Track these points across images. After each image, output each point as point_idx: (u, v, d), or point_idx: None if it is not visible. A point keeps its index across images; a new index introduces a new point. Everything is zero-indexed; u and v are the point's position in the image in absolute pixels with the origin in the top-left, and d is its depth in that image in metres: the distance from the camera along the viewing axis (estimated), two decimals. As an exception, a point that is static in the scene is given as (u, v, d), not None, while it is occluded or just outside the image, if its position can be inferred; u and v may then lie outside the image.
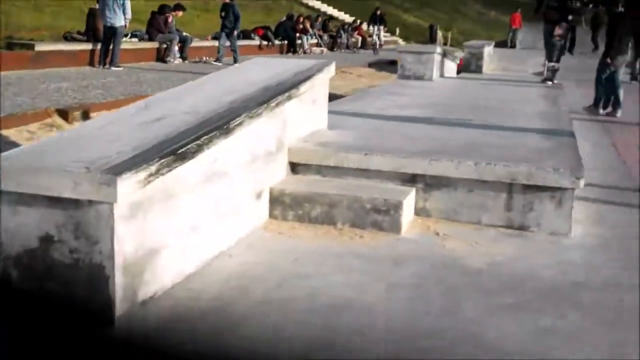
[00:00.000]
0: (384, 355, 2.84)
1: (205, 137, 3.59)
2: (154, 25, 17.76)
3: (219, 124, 3.77)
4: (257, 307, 3.27)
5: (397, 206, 4.42)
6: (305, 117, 5.20)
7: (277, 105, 4.50)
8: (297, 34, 25.02)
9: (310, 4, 38.05)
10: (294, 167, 4.93)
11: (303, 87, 4.97)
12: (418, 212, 4.76)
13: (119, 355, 2.83)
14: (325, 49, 28.03)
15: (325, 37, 29.50)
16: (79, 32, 16.43)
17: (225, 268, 3.74)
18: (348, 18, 37.20)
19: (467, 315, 3.26)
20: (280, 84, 4.78)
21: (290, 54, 23.71)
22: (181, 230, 3.53)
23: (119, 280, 3.02)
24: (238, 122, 3.95)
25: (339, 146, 5.07)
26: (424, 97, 9.74)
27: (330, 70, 5.56)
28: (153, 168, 3.14)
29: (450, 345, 2.94)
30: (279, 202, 4.59)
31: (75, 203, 2.95)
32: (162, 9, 17.94)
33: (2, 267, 3.09)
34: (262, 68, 5.41)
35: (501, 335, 3.03)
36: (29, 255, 3.05)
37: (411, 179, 4.75)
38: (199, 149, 3.53)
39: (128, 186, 2.95)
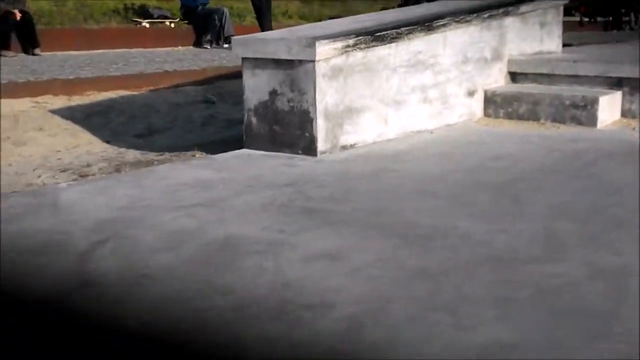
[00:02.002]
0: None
1: (404, 27, 4.50)
2: None
3: (420, 21, 4.65)
4: (429, 156, 4.12)
5: (594, 101, 4.90)
6: (530, 36, 5.80)
7: (490, 17, 5.23)
8: (624, 10, 24.17)
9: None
10: (514, 77, 5.58)
11: (524, 7, 5.60)
12: (624, 113, 5.14)
13: (315, 173, 3.85)
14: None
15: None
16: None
17: (423, 138, 4.61)
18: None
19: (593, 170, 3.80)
20: (499, 2, 5.47)
21: (615, 31, 23.04)
22: (383, 100, 4.47)
23: (320, 123, 4.07)
24: (442, 23, 4.79)
25: (553, 58, 5.61)
26: None
27: (562, -2, 6.06)
28: (351, 41, 4.14)
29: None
30: (491, 102, 5.30)
31: (291, 63, 4.07)
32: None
33: (246, 116, 4.32)
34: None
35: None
36: (263, 105, 4.23)
37: (617, 83, 5.15)
38: (398, 37, 4.45)
39: (326, 50, 3.99)
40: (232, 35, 11.35)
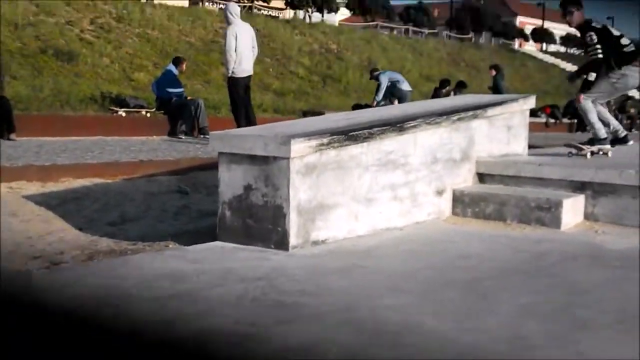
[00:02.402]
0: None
1: (377, 128, 4.67)
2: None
3: (393, 122, 4.83)
4: (399, 253, 4.22)
5: (558, 204, 5.07)
6: (497, 138, 6.02)
7: (459, 119, 5.44)
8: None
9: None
10: (482, 177, 5.76)
11: (492, 111, 5.84)
12: (587, 216, 5.31)
13: (287, 268, 3.93)
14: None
15: (623, 117, 28.86)
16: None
17: (393, 235, 4.72)
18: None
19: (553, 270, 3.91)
20: (468, 106, 5.70)
21: (579, 133, 23.76)
22: (354, 198, 4.60)
23: (293, 218, 4.17)
24: (413, 124, 4.98)
25: (520, 161, 5.81)
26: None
27: (528, 102, 6.33)
28: (325, 140, 4.29)
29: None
30: (460, 201, 5.46)
31: (266, 159, 4.19)
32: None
33: (221, 209, 4.41)
34: (460, 99, 6.34)
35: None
36: (237, 199, 4.33)
37: (580, 187, 5.34)
38: (371, 136, 4.62)
39: (301, 148, 4.13)
40: (206, 127, 11.58)
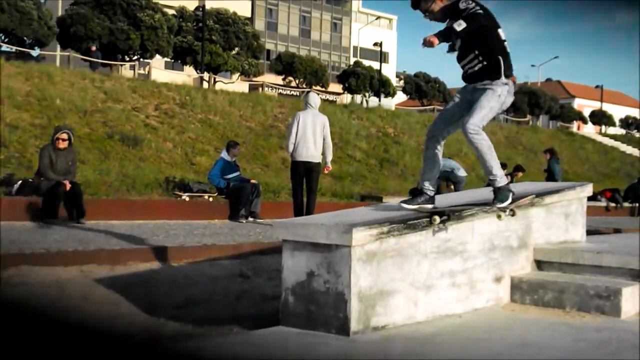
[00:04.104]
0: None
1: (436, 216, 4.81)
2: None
3: (450, 212, 4.97)
4: (457, 340, 4.29)
5: (617, 292, 5.09)
6: (555, 225, 6.09)
7: (517, 208, 5.54)
8: (650, 197, 24.59)
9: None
10: (540, 265, 5.81)
11: (549, 199, 5.93)
12: (649, 304, 5.30)
13: (349, 354, 4.03)
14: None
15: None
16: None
17: (452, 322, 4.80)
18: None
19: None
20: (525, 193, 5.80)
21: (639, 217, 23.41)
22: (413, 284, 4.71)
23: (354, 305, 4.30)
24: (470, 212, 5.10)
25: (578, 248, 5.86)
26: None
27: (585, 190, 6.40)
28: (385, 229, 4.45)
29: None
30: (518, 288, 5.51)
31: (328, 247, 4.36)
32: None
33: (284, 294, 4.57)
34: (518, 187, 6.44)
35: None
36: (300, 285, 4.49)
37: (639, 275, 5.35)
38: (429, 225, 4.76)
39: (362, 237, 4.29)
40: (257, 212, 11.90)
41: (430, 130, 5.28)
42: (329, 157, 10.66)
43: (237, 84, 34.89)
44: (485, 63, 5.08)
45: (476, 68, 5.11)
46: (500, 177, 5.17)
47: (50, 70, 19.89)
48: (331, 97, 39.98)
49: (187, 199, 12.56)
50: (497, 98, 5.06)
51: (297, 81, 41.49)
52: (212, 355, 3.71)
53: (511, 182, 18.07)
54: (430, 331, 4.50)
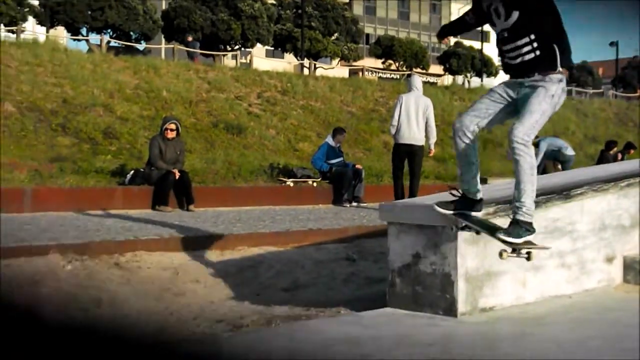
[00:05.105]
0: None
1: (542, 197, 4.73)
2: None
3: (558, 190, 4.88)
4: (568, 321, 4.23)
5: None
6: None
7: (628, 185, 5.38)
8: None
9: None
10: (655, 244, 5.62)
11: (663, 175, 5.72)
12: None
13: (457, 334, 4.03)
14: None
15: None
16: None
17: (562, 303, 4.72)
18: None
19: None
20: (636, 172, 5.62)
21: None
22: (521, 265, 4.65)
23: (461, 285, 4.30)
24: (579, 191, 5.00)
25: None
26: None
27: None
28: (491, 209, 4.43)
29: None
30: (631, 268, 5.36)
31: (434, 229, 4.37)
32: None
33: (390, 276, 4.61)
34: (629, 164, 6.25)
35: None
36: (406, 267, 4.52)
37: None
38: (536, 205, 4.68)
39: (468, 218, 4.27)
40: (360, 197, 11.96)
41: (455, 124, 4.41)
42: (432, 140, 10.60)
43: (337, 69, 34.99)
44: (538, 53, 4.14)
45: (527, 57, 4.17)
46: (528, 211, 4.14)
47: (156, 63, 20.45)
48: (432, 79, 39.58)
49: (292, 184, 12.74)
50: (549, 99, 4.13)
51: (397, 64, 41.33)
52: (323, 335, 3.79)
53: (622, 159, 17.55)
54: (539, 312, 4.44)
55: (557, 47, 4.13)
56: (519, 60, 4.20)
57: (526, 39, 4.13)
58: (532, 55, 4.14)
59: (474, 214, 4.29)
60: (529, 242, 4.10)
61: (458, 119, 4.42)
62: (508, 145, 4.15)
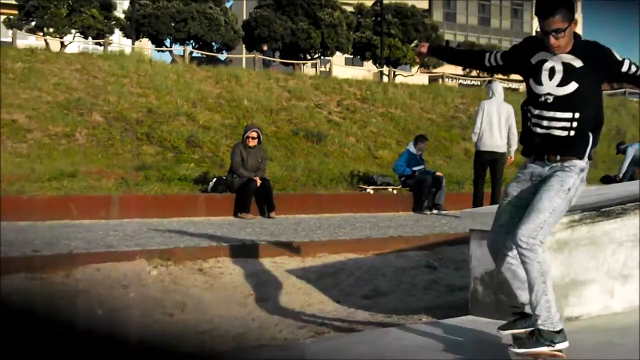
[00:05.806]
0: None
1: (631, 204, 4.61)
2: None
3: (647, 197, 4.75)
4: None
5: None
6: None
7: None
8: None
9: None
10: None
11: None
12: None
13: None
14: None
15: None
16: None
17: (651, 314, 4.58)
18: None
19: None
20: None
21: None
22: (609, 274, 4.54)
23: (546, 294, 4.20)
24: (670, 198, 4.84)
25: None
26: None
27: None
28: (576, 217, 4.33)
29: None
30: None
31: (517, 236, 4.29)
32: None
33: (472, 284, 4.57)
34: None
35: None
36: (489, 275, 4.47)
37: None
38: (624, 212, 4.57)
39: (552, 225, 4.18)
40: (441, 204, 11.86)
41: (489, 246, 3.85)
42: (514, 147, 10.42)
43: (416, 76, 34.77)
44: (572, 133, 3.57)
45: (557, 133, 3.60)
46: (546, 322, 3.51)
47: (237, 73, 20.78)
48: (514, 85, 38.91)
49: (372, 192, 12.74)
50: (564, 195, 3.55)
51: (477, 71, 40.81)
52: (405, 342, 3.78)
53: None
54: (627, 322, 4.32)
55: (592, 136, 3.64)
56: (549, 132, 3.61)
57: (569, 114, 3.56)
58: (565, 133, 3.58)
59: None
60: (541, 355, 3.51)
61: (490, 242, 3.84)
62: (515, 248, 3.58)
